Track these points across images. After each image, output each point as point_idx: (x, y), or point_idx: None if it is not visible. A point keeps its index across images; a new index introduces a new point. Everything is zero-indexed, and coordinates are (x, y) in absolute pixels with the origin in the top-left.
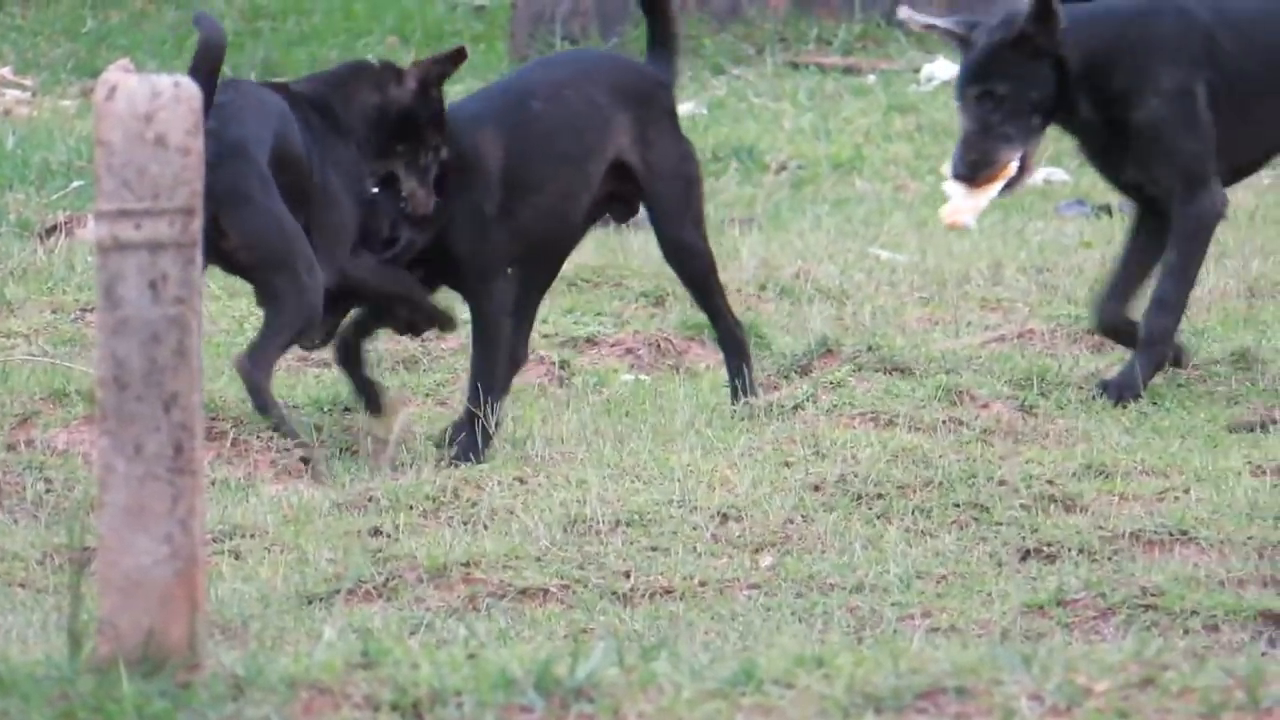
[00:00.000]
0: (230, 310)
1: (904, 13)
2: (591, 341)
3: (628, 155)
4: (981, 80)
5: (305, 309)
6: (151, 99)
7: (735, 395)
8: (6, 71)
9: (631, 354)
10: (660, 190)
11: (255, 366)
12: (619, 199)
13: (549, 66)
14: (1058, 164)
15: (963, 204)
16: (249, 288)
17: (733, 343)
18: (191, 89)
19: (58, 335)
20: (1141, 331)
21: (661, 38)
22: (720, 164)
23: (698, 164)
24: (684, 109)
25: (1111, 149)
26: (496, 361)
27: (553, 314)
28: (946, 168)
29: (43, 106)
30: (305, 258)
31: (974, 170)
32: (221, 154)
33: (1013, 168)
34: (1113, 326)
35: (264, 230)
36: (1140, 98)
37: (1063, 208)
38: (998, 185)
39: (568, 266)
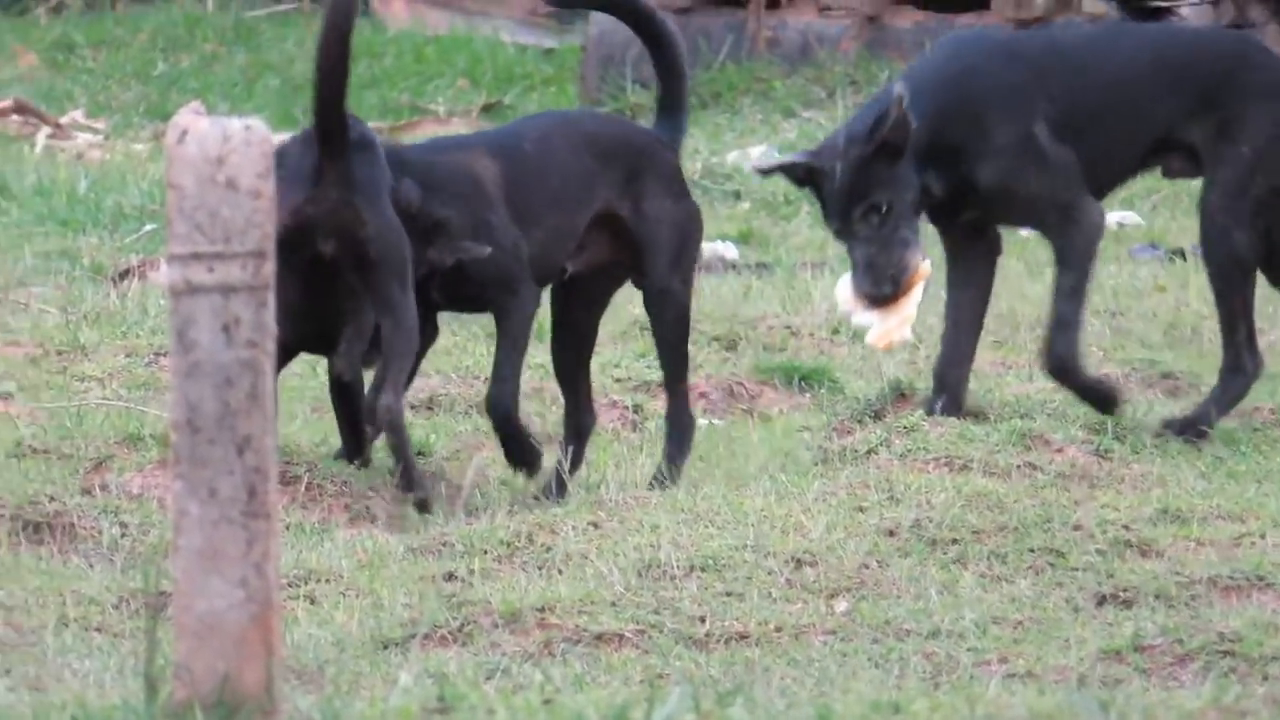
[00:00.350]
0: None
1: (752, 164)
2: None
3: (618, 208)
4: (862, 198)
5: (412, 324)
6: (223, 142)
7: (667, 460)
8: (78, 115)
9: (704, 398)
10: (651, 236)
11: (393, 397)
12: (626, 265)
13: (535, 119)
14: (1130, 207)
15: (889, 323)
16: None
17: (675, 411)
18: (262, 132)
19: (132, 379)
20: (1047, 363)
21: (668, 97)
22: (791, 207)
23: (699, 225)
24: (755, 151)
25: (958, 203)
26: (520, 363)
27: (625, 358)
28: (847, 306)
29: (115, 150)
30: (410, 271)
31: (895, 285)
32: (357, 146)
33: (926, 266)
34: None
35: (390, 226)
36: (982, 160)
37: (1135, 251)
38: (919, 289)
39: (640, 310)
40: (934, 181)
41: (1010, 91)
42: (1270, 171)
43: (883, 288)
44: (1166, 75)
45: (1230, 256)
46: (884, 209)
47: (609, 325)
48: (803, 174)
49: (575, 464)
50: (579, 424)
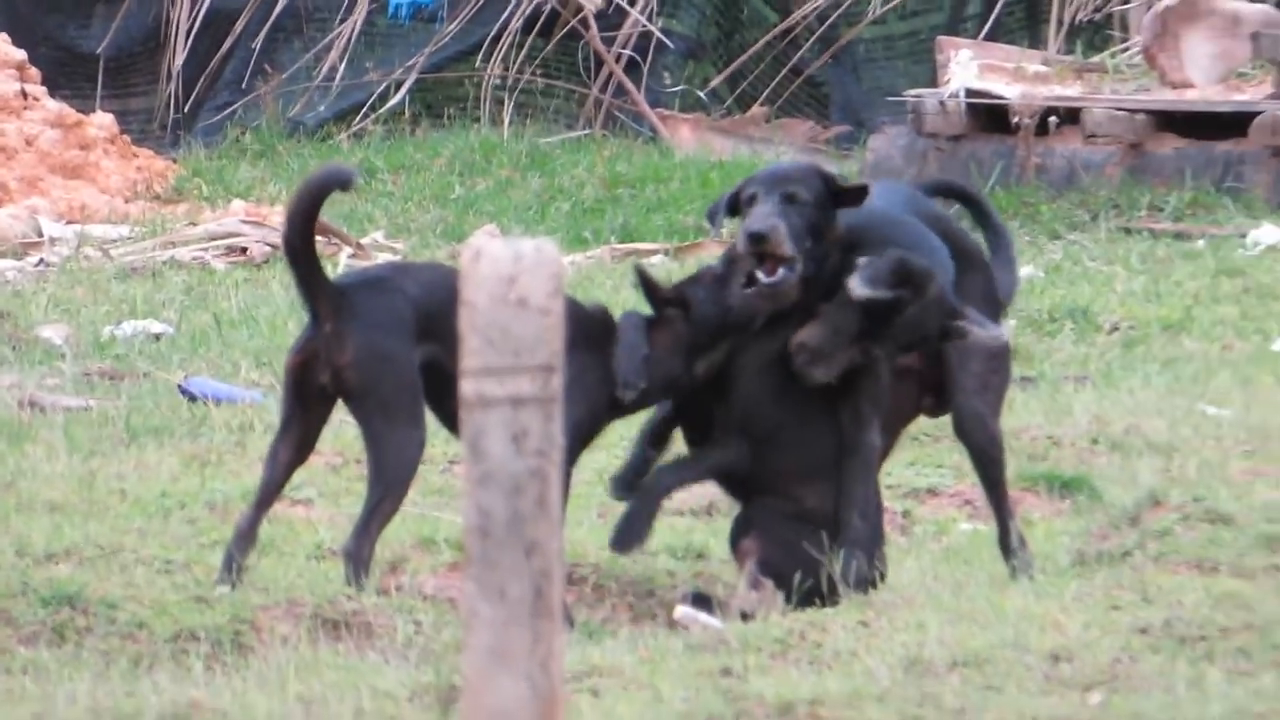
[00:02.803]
0: (590, 462)
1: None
2: (932, 492)
3: None
4: None
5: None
6: (515, 262)
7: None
8: (379, 236)
9: (969, 505)
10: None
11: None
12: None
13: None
14: None
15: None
16: (604, 440)
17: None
18: (553, 253)
19: (427, 486)
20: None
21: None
22: (1055, 324)
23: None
24: (1022, 273)
25: None
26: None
27: (896, 466)
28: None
29: None
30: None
31: None
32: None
33: None
34: None
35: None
36: None
37: None
38: None
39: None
40: None
41: None
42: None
43: None
44: None
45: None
46: None
47: None
48: None
49: None
50: None
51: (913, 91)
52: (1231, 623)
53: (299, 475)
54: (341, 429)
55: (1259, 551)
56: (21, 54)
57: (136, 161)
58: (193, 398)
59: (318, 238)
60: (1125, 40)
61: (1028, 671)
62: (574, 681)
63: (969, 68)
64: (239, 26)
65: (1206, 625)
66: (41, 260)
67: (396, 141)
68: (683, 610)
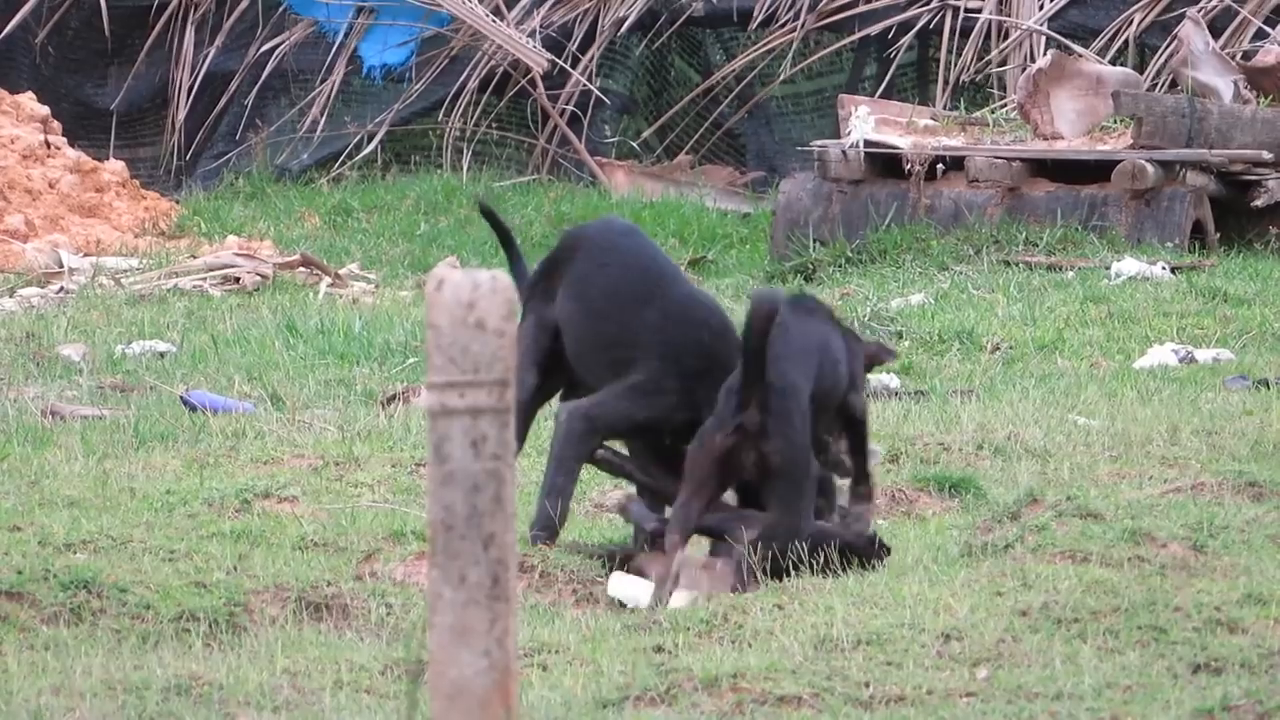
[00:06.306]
0: (539, 465)
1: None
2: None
3: None
4: None
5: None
6: (473, 290)
7: None
8: (354, 267)
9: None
10: None
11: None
12: None
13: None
14: (1225, 345)
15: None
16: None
17: None
18: (505, 281)
19: (397, 485)
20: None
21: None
22: (944, 344)
23: None
24: (915, 299)
25: None
26: None
27: None
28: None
29: (384, 296)
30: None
31: None
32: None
33: None
34: None
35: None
36: None
37: (1229, 381)
38: None
39: None
40: None
41: None
42: None
43: None
44: None
45: None
46: None
47: None
48: None
49: None
50: None
51: (818, 142)
52: (1101, 606)
53: (285, 475)
54: (322, 435)
55: (1124, 544)
56: (45, 109)
57: (145, 202)
58: (193, 408)
59: (300, 269)
60: (1002, 98)
61: (923, 649)
62: (526, 657)
63: (867, 121)
64: (233, 86)
65: (1079, 608)
66: (62, 288)
67: (369, 185)
68: (615, 584)
